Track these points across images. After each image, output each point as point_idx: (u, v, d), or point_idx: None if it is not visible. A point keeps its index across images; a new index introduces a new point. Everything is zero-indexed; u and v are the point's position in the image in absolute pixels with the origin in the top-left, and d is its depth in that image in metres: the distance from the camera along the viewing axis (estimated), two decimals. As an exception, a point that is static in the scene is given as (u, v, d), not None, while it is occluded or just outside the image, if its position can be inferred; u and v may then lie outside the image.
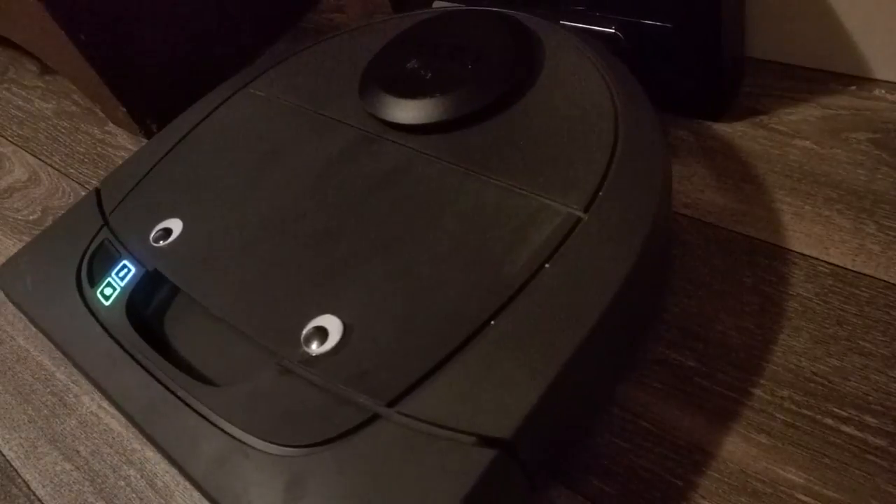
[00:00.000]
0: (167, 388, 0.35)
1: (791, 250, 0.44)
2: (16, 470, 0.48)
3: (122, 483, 0.45)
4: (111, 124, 0.76)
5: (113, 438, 0.48)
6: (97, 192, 0.48)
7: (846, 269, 0.43)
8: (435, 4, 0.58)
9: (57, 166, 0.74)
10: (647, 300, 0.41)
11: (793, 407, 0.38)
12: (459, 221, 0.37)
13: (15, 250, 0.60)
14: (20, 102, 0.85)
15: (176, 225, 0.43)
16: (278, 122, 0.48)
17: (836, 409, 0.37)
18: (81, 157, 0.74)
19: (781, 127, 0.51)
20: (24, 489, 0.47)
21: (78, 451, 0.48)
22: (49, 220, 0.68)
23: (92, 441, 0.48)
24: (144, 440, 0.43)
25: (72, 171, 0.73)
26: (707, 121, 0.53)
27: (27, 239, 0.66)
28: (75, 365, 0.39)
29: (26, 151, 0.77)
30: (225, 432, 0.33)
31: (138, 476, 0.45)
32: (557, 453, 0.37)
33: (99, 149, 0.74)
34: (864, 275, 0.42)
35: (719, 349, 0.41)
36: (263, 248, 0.40)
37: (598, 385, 0.39)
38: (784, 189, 0.47)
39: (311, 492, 0.30)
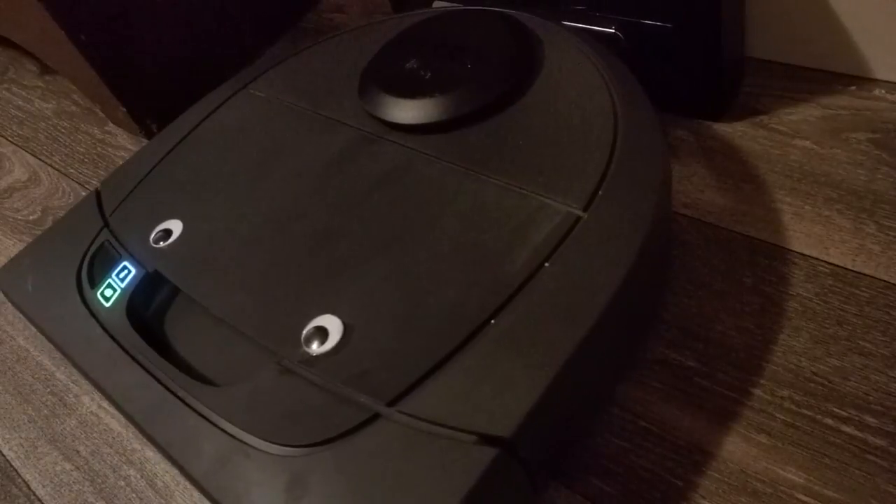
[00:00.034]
0: (168, 389, 0.35)
1: (791, 250, 0.44)
2: (16, 470, 0.48)
3: (122, 483, 0.45)
4: (111, 124, 0.76)
5: (113, 438, 0.48)
6: (97, 193, 0.48)
7: (846, 269, 0.43)
8: (435, 4, 0.58)
9: (57, 166, 0.74)
10: (646, 299, 0.41)
11: (793, 407, 0.38)
12: (459, 221, 0.37)
13: (15, 250, 0.60)
14: (20, 102, 0.85)
15: (176, 226, 0.43)
16: (278, 122, 0.48)
17: (836, 409, 0.37)
18: (81, 157, 0.74)
19: (781, 127, 0.51)
20: (24, 489, 0.47)
21: (78, 451, 0.48)
22: (49, 221, 0.68)
23: (92, 441, 0.48)
24: (144, 440, 0.43)
25: (72, 171, 0.73)
26: (707, 121, 0.53)
27: (27, 239, 0.66)
28: (76, 366, 0.39)
29: (26, 151, 0.77)
30: (225, 432, 0.33)
31: (138, 476, 0.45)
32: (558, 453, 0.37)
33: (99, 149, 0.74)
34: (864, 275, 0.42)
35: (719, 349, 0.41)
36: (263, 249, 0.40)
37: (598, 384, 0.39)
38: (784, 189, 0.47)
39: (311, 491, 0.30)
